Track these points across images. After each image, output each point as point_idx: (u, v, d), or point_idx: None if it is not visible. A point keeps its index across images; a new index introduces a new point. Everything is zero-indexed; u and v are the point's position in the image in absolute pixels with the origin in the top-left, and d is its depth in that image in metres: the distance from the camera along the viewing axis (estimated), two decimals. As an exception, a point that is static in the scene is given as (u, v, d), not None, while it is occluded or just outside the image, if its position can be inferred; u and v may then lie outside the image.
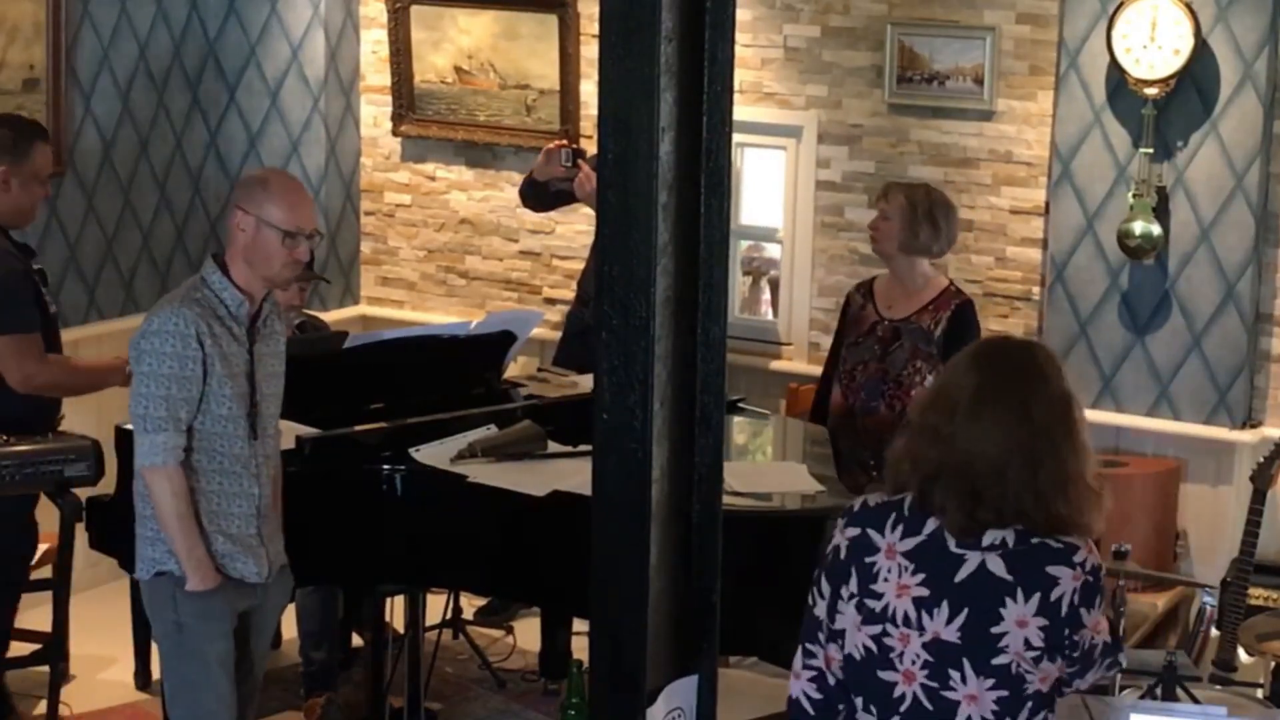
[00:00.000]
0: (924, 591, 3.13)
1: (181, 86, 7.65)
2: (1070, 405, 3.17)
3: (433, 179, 7.93)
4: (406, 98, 7.84)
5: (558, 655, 6.13)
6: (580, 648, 5.01)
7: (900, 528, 3.17)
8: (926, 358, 5.70)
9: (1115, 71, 6.48)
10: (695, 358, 3.41)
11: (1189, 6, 6.33)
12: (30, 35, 6.82)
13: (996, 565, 3.10)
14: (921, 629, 3.13)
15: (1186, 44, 6.32)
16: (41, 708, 5.65)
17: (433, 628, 5.99)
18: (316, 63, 7.73)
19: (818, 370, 7.09)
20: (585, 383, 5.54)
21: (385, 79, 7.87)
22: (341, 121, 7.89)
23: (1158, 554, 6.46)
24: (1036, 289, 6.82)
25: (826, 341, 7.14)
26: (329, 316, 6.96)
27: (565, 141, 6.60)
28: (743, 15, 6.90)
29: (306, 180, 7.81)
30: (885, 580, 3.15)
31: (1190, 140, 6.46)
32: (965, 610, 3.10)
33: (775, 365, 7.23)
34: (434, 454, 5.08)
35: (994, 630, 3.09)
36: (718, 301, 3.41)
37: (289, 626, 6.22)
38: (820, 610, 3.25)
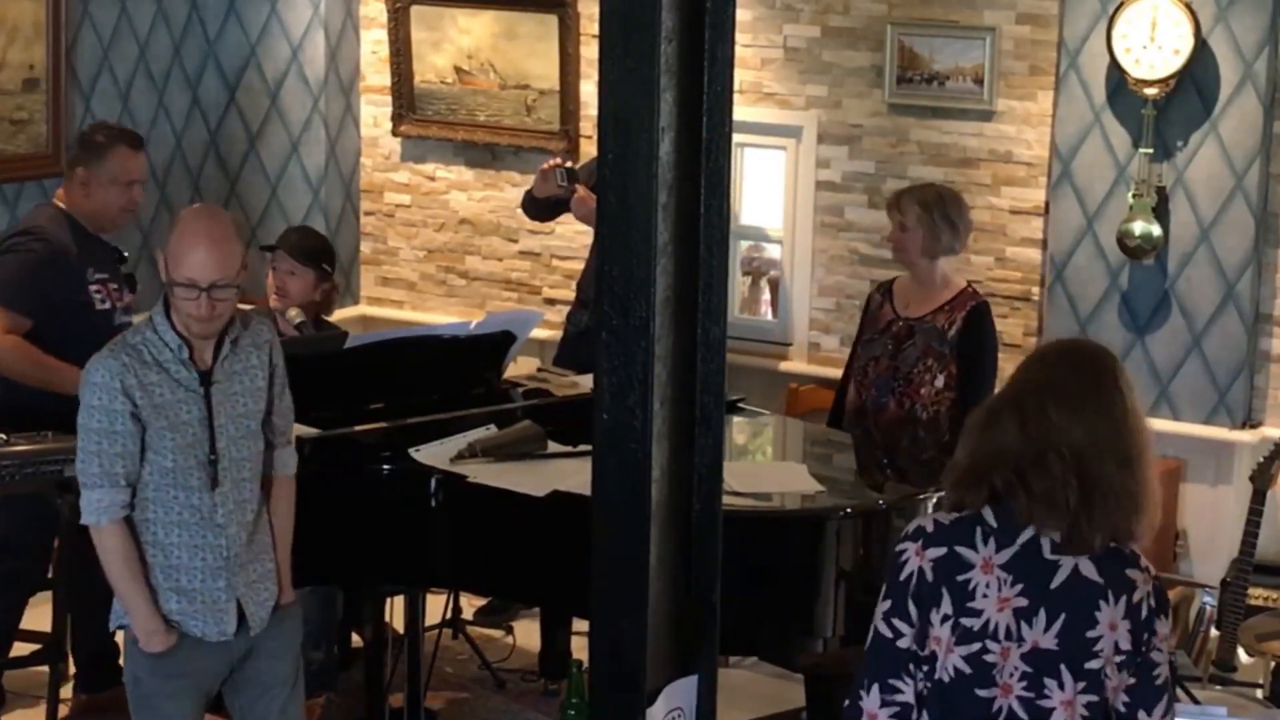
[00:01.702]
0: (1023, 602, 3.11)
1: (181, 86, 7.65)
2: (1140, 417, 3.22)
3: (433, 179, 7.93)
4: (406, 98, 7.84)
5: (558, 655, 6.13)
6: (580, 648, 5.02)
7: (992, 540, 3.13)
8: (938, 357, 5.71)
9: (1115, 71, 6.48)
10: (695, 358, 3.40)
11: (1189, 6, 6.33)
12: (30, 35, 6.83)
13: (1089, 569, 3.11)
14: (1021, 640, 3.10)
15: (1186, 44, 6.33)
16: (41, 708, 5.64)
17: (433, 628, 5.99)
18: (316, 63, 7.74)
19: (818, 370, 7.12)
20: (585, 383, 5.54)
21: (385, 79, 7.88)
22: (341, 121, 7.90)
23: (1158, 554, 6.45)
24: (1036, 289, 6.82)
25: (826, 341, 7.16)
26: (334, 318, 6.95)
27: (559, 161, 6.67)
28: (743, 15, 6.90)
29: (306, 180, 7.82)
30: (984, 596, 3.11)
31: (1190, 140, 6.46)
32: (1062, 616, 3.10)
33: (775, 365, 7.23)
34: (434, 454, 5.07)
35: (1089, 634, 3.10)
36: (718, 301, 3.40)
37: (289, 626, 6.22)
38: (907, 641, 3.16)
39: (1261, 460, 6.08)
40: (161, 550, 4.26)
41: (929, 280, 5.80)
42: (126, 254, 5.65)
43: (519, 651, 6.42)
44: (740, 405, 5.88)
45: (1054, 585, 3.10)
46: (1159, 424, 6.63)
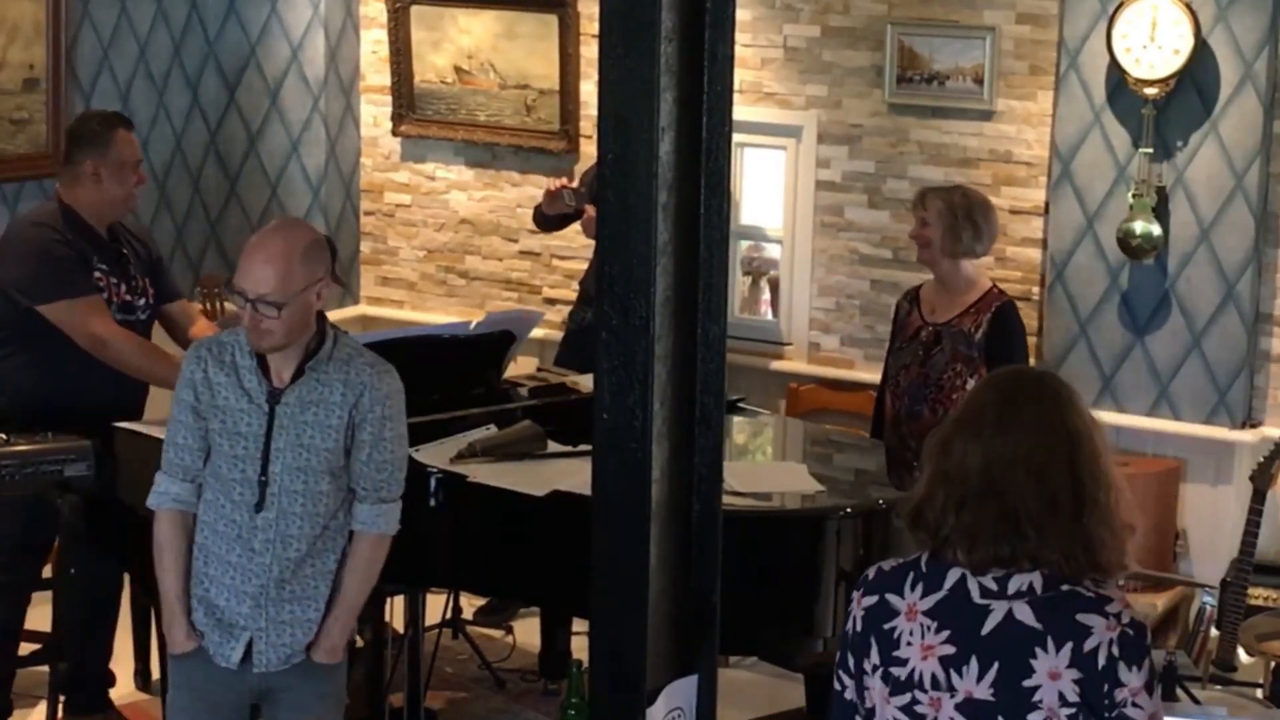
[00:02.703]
0: (950, 649, 2.92)
1: (181, 86, 7.65)
2: (1095, 430, 2.98)
3: (433, 179, 7.93)
4: (406, 98, 7.84)
5: (558, 655, 6.13)
6: (580, 648, 5.01)
7: (920, 585, 2.97)
8: (967, 360, 5.70)
9: (1115, 71, 6.48)
10: (695, 358, 3.40)
11: (1189, 6, 6.33)
12: (30, 35, 6.83)
13: (1024, 614, 2.89)
14: (952, 690, 2.91)
15: (1186, 44, 6.33)
16: (41, 708, 5.64)
17: (433, 628, 5.99)
18: (316, 63, 7.74)
19: (818, 370, 7.13)
20: (585, 383, 5.55)
21: (385, 79, 7.88)
22: (341, 121, 7.89)
23: (1158, 554, 6.46)
24: (1036, 289, 6.82)
25: (826, 341, 7.17)
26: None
27: (565, 182, 6.72)
28: (743, 15, 6.90)
29: (306, 180, 7.82)
30: (909, 644, 2.95)
31: (1190, 140, 6.46)
32: (996, 664, 2.89)
33: (775, 365, 7.24)
34: (434, 454, 5.07)
35: (1026, 684, 2.87)
36: (718, 301, 3.40)
37: (289, 626, 6.21)
38: (850, 693, 3.04)
39: (1261, 460, 6.08)
40: (202, 555, 4.21)
41: (953, 283, 5.80)
42: (127, 251, 5.62)
43: (519, 651, 6.42)
44: (740, 405, 5.89)
45: (985, 631, 2.90)
46: (1159, 424, 6.64)
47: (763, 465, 5.63)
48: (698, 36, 3.31)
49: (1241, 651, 6.04)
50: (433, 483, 5.00)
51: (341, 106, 7.89)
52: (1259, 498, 6.02)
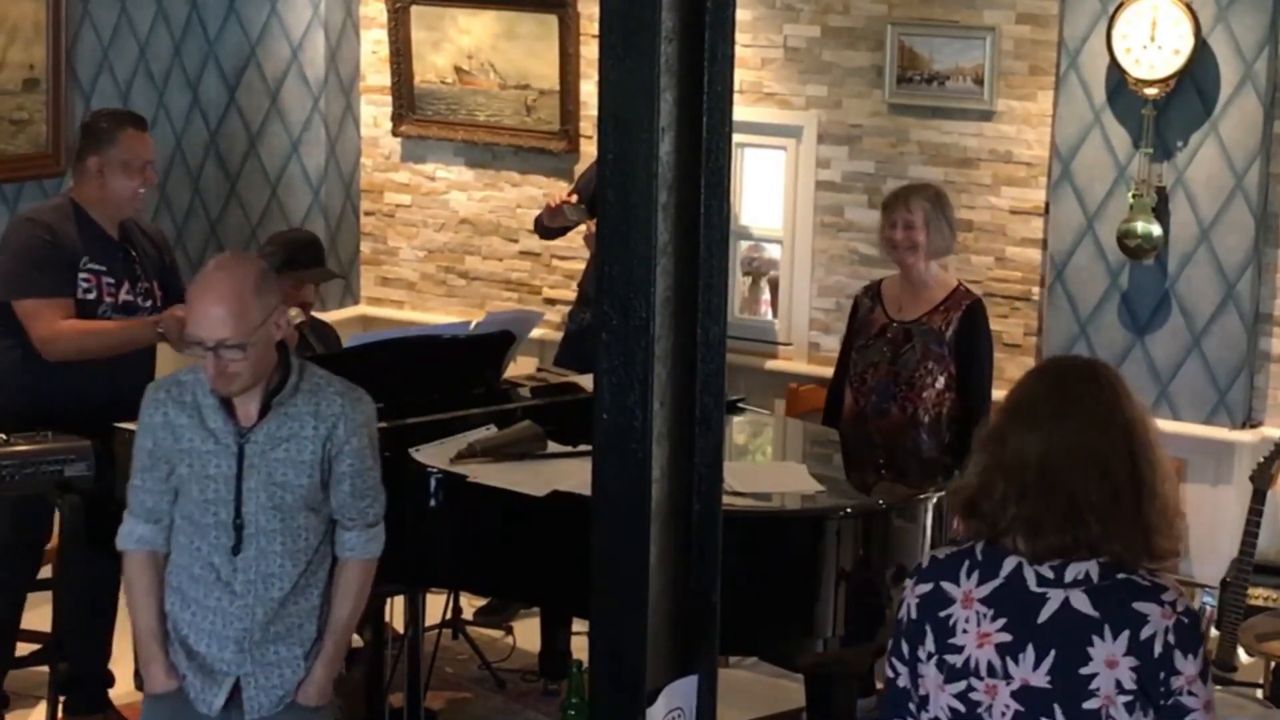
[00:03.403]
0: (1006, 637, 2.94)
1: (181, 86, 7.65)
2: (1147, 418, 3.04)
3: (433, 179, 7.93)
4: (406, 98, 7.84)
5: (558, 655, 6.13)
6: (580, 648, 5.01)
7: (976, 573, 2.99)
8: (938, 359, 5.70)
9: (1115, 71, 6.48)
10: (695, 358, 3.40)
11: (1189, 6, 6.33)
12: (30, 35, 6.83)
13: (1081, 602, 2.92)
14: (1008, 677, 2.94)
15: (1186, 44, 6.33)
16: (41, 708, 5.64)
17: (433, 628, 5.99)
18: (316, 63, 7.74)
19: (818, 370, 7.12)
20: (585, 383, 5.55)
21: (385, 79, 7.88)
22: (341, 121, 7.90)
23: (1158, 554, 6.45)
24: (1036, 289, 6.82)
25: (826, 341, 7.16)
26: (329, 316, 6.96)
27: (565, 197, 6.71)
28: (743, 15, 6.90)
29: (306, 180, 7.82)
30: (964, 632, 2.97)
31: (1190, 140, 6.46)
32: (1052, 652, 2.92)
33: (775, 365, 7.23)
34: (434, 454, 5.07)
35: (1082, 671, 2.90)
36: (718, 301, 3.40)
37: (289, 626, 6.21)
38: (904, 680, 3.06)
39: (1261, 460, 6.08)
40: (179, 599, 4.07)
41: (923, 281, 5.78)
42: (136, 253, 5.63)
43: (519, 651, 6.42)
44: (740, 405, 5.89)
45: (1041, 619, 2.93)
46: (1159, 424, 6.61)
47: (763, 465, 5.62)
48: (698, 36, 3.31)
49: (1241, 651, 6.03)
50: (433, 483, 5.00)
51: (341, 106, 7.89)
52: (1259, 498, 6.02)
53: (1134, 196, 6.47)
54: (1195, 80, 6.40)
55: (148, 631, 4.09)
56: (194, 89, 7.72)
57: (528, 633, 6.43)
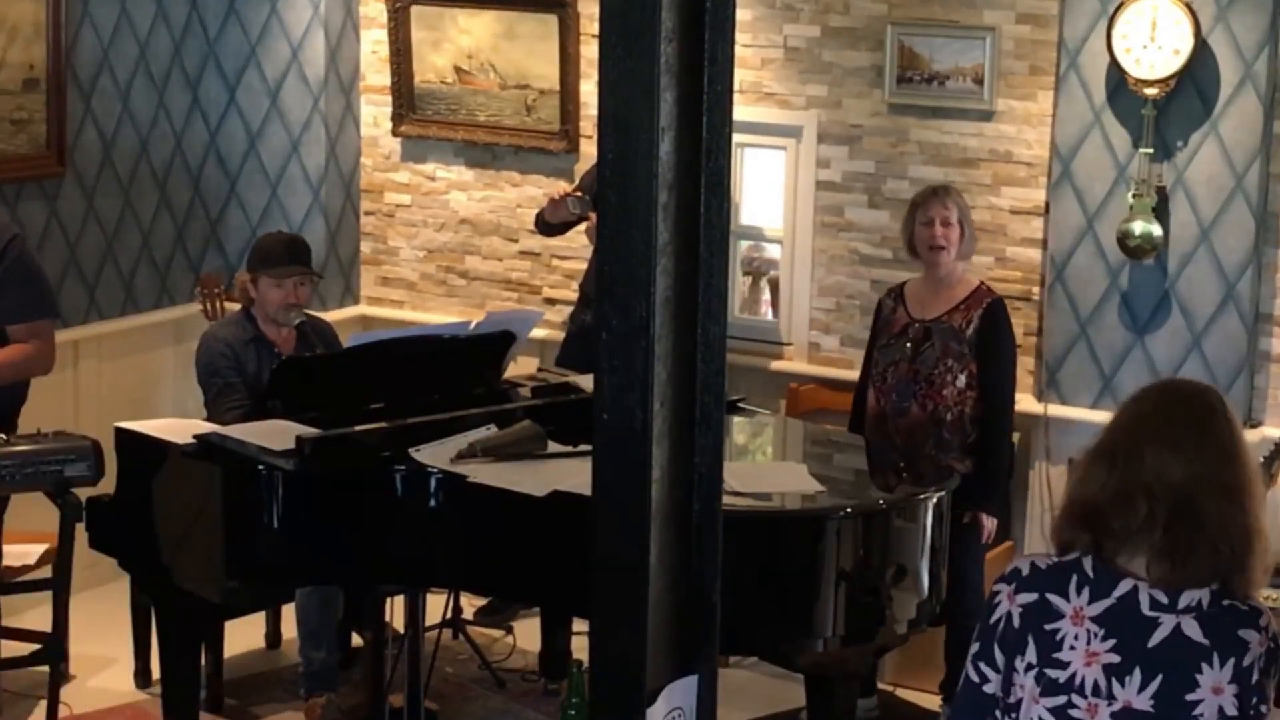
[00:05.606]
0: (1115, 658, 2.94)
1: (181, 86, 7.65)
2: (1248, 451, 3.04)
3: (433, 179, 7.93)
4: (406, 98, 7.84)
5: (558, 655, 6.14)
6: (580, 648, 5.02)
7: (1086, 590, 2.97)
8: (958, 357, 5.72)
9: (1115, 71, 6.48)
10: (695, 358, 3.40)
11: (1189, 6, 6.33)
12: (30, 35, 6.82)
13: (1192, 629, 2.93)
14: (1111, 698, 2.94)
15: (1186, 44, 6.33)
16: (41, 708, 5.64)
17: (433, 628, 5.99)
18: (316, 63, 7.74)
19: (818, 370, 7.12)
20: (585, 383, 5.55)
21: (385, 79, 7.88)
22: (341, 121, 7.89)
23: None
24: (1036, 289, 6.82)
25: (827, 341, 7.16)
26: (329, 316, 6.95)
27: (568, 190, 6.72)
28: (743, 15, 6.90)
29: (306, 180, 7.82)
30: (1072, 648, 2.96)
31: (1190, 140, 6.46)
32: (1159, 676, 2.92)
33: (775, 365, 7.23)
34: (434, 454, 5.07)
35: (1189, 698, 2.91)
36: (718, 301, 3.40)
37: (289, 626, 6.22)
38: (993, 686, 3.04)
39: (1262, 460, 6.07)
40: None
41: (948, 280, 5.83)
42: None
43: (519, 651, 6.42)
44: (740, 405, 5.89)
45: (1152, 644, 2.93)
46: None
47: (763, 465, 5.63)
48: (698, 37, 3.31)
49: (1242, 651, 6.03)
50: (433, 483, 5.00)
51: (341, 106, 7.88)
52: (1259, 498, 6.02)
53: (1134, 196, 6.46)
54: (1195, 80, 6.40)
55: None
56: (194, 89, 7.72)
57: (528, 633, 6.43)
